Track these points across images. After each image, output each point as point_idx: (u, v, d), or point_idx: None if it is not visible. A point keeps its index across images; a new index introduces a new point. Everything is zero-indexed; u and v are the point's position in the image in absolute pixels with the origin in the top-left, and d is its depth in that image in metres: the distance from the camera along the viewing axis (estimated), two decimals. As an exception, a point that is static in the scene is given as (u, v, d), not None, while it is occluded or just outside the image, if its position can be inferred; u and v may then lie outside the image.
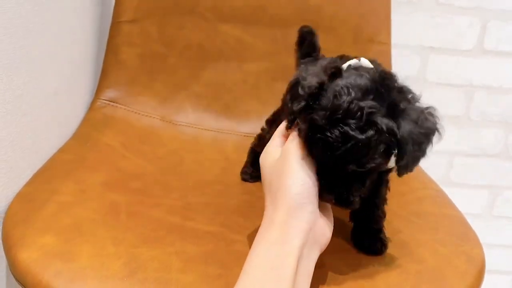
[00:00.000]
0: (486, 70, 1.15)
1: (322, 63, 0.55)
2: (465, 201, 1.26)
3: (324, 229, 0.49)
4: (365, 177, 0.49)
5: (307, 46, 0.69)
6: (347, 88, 0.46)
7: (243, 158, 0.80)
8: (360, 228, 0.60)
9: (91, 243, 0.55)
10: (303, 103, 0.48)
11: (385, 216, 0.59)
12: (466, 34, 1.12)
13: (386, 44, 0.97)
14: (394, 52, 1.01)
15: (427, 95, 1.21)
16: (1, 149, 0.61)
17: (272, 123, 0.72)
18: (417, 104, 0.49)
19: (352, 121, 0.44)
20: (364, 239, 0.59)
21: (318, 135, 0.46)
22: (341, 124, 0.45)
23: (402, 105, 0.47)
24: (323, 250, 0.50)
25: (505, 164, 1.23)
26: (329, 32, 0.94)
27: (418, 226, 0.65)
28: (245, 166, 0.78)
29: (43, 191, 0.63)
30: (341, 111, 0.45)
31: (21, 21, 0.63)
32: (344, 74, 0.48)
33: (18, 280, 0.52)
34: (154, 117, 0.92)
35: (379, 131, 0.45)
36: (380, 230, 0.59)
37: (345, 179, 0.48)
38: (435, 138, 0.49)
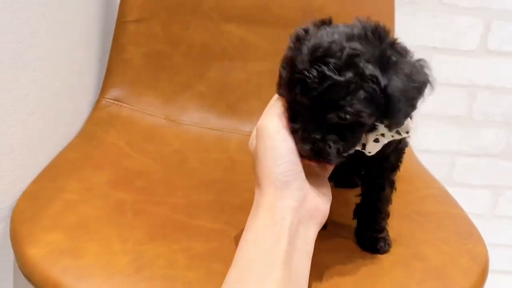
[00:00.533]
0: (489, 70, 1.15)
1: None
2: (468, 201, 1.25)
3: (317, 202, 0.48)
4: (345, 130, 0.46)
5: None
6: (332, 33, 0.44)
7: (246, 157, 0.80)
8: (363, 227, 0.60)
9: (97, 241, 0.56)
10: (289, 52, 0.46)
11: (388, 216, 0.59)
12: (469, 34, 1.12)
13: (390, 44, 0.97)
14: (397, 52, 1.01)
15: (430, 95, 1.21)
16: (8, 148, 0.61)
17: None
18: (409, 57, 0.47)
19: (331, 60, 0.42)
20: (367, 238, 0.59)
21: (297, 75, 0.44)
22: (319, 63, 0.42)
23: (394, 58, 0.44)
24: (322, 224, 0.48)
25: (508, 164, 1.23)
26: (333, 32, 0.94)
27: (422, 225, 0.65)
28: None
29: (50, 189, 0.64)
30: (321, 49, 0.43)
31: (27, 21, 0.63)
32: (335, 24, 0.47)
33: (26, 276, 0.53)
34: (158, 116, 0.92)
35: (359, 74, 0.42)
36: (382, 229, 0.59)
37: (323, 129, 0.45)
38: (427, 91, 0.47)
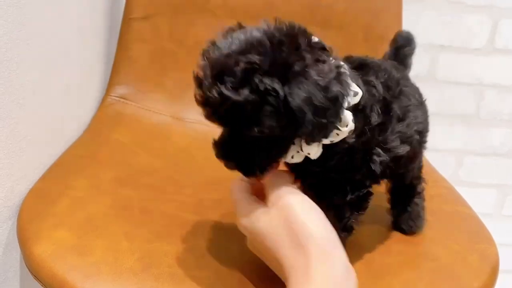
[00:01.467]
0: (496, 69, 1.14)
1: None
2: (475, 201, 1.24)
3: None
4: (266, 144, 0.43)
5: (396, 53, 0.65)
6: (231, 42, 0.41)
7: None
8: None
9: (104, 238, 0.55)
10: (197, 69, 0.43)
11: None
12: (477, 33, 1.12)
13: (397, 42, 0.97)
14: (404, 50, 1.01)
15: (436, 94, 1.21)
16: (15, 144, 0.61)
17: None
18: (324, 64, 0.42)
19: (228, 79, 0.40)
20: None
21: (206, 95, 0.41)
22: (218, 82, 0.40)
23: (296, 66, 0.41)
24: None
25: (515, 163, 1.23)
26: (340, 29, 0.94)
27: (431, 224, 0.64)
28: None
29: (56, 187, 0.63)
30: (218, 66, 0.41)
31: (35, 18, 0.63)
32: (244, 29, 0.44)
33: (33, 273, 0.52)
34: (164, 114, 0.92)
35: (255, 91, 0.39)
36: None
37: (243, 145, 0.44)
38: (345, 101, 0.43)
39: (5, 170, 0.59)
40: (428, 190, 0.72)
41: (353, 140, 0.46)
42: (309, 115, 0.40)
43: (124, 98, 0.91)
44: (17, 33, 0.58)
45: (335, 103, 0.41)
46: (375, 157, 0.49)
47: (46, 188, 0.63)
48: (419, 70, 1.13)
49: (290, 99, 0.40)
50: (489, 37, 1.11)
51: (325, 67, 0.42)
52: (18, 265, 0.64)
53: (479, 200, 1.26)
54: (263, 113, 0.40)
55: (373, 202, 0.67)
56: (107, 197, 0.63)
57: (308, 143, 0.45)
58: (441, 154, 1.21)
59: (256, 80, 0.39)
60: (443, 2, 1.09)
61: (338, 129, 0.45)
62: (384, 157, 0.50)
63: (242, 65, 0.40)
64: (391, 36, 0.96)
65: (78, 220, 0.58)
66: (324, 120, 0.41)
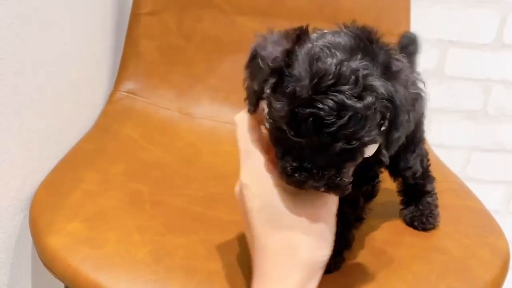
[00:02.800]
0: (505, 64, 1.14)
1: None
2: (482, 197, 1.24)
3: None
4: (355, 153, 0.40)
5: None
6: (328, 48, 0.37)
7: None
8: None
9: (116, 231, 0.56)
10: (271, 80, 0.39)
11: (346, 243, 0.52)
12: (485, 28, 1.11)
13: (405, 37, 0.96)
14: (412, 45, 1.00)
15: (445, 89, 1.20)
16: (27, 138, 0.61)
17: None
18: (406, 67, 0.42)
19: (346, 87, 0.36)
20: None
21: (307, 110, 0.36)
22: (333, 93, 0.36)
23: (394, 66, 0.40)
24: None
25: (523, 159, 1.22)
26: (348, 24, 0.94)
27: (442, 218, 0.64)
28: None
29: (68, 180, 0.64)
30: (331, 76, 0.36)
31: (45, 13, 0.63)
32: (314, 37, 0.40)
33: (46, 265, 0.53)
34: (172, 110, 0.92)
35: (378, 96, 0.37)
36: (333, 252, 0.49)
37: (332, 160, 0.39)
38: (421, 105, 0.43)
39: (17, 163, 0.59)
40: (439, 185, 0.72)
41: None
42: (404, 117, 0.39)
43: (132, 93, 0.91)
44: (25, 29, 0.59)
45: (415, 104, 0.41)
46: (384, 151, 0.49)
47: (57, 181, 0.64)
48: (427, 66, 1.13)
49: (396, 98, 0.38)
50: (497, 32, 1.11)
51: (407, 70, 0.42)
52: (30, 257, 0.65)
53: (486, 197, 1.25)
54: (375, 121, 0.38)
55: (385, 197, 0.67)
56: (117, 190, 0.64)
57: (389, 151, 0.42)
58: (448, 150, 1.20)
59: (377, 85, 0.37)
60: (452, -3, 1.09)
61: None
62: None
63: (362, 71, 0.37)
64: (399, 31, 0.97)
65: (89, 212, 0.58)
66: (408, 124, 0.41)
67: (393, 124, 0.40)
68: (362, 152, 0.41)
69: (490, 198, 1.26)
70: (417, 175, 0.61)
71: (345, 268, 0.53)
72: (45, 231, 0.54)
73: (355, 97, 0.36)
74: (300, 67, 0.38)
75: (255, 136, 0.44)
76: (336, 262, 0.52)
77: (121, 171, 0.69)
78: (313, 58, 0.37)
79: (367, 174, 0.50)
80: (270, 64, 0.39)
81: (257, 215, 0.42)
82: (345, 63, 0.37)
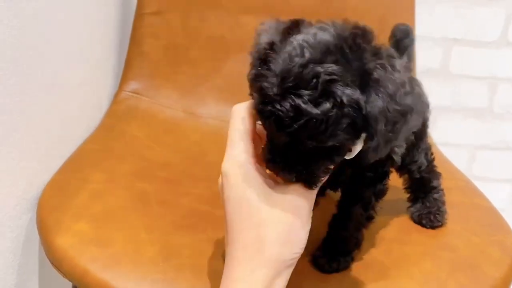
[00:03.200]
0: (510, 62, 1.13)
1: None
2: (488, 195, 1.24)
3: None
4: (328, 152, 0.40)
5: (396, 46, 0.62)
6: (302, 47, 0.37)
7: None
8: (327, 241, 0.54)
9: (124, 230, 0.56)
10: (253, 70, 0.40)
11: (357, 246, 0.53)
12: (490, 26, 1.11)
13: (411, 35, 0.96)
14: (417, 43, 1.00)
15: (450, 87, 1.20)
16: (34, 138, 0.61)
17: None
18: (397, 74, 0.39)
19: (305, 92, 0.36)
20: (324, 253, 0.53)
21: (269, 107, 0.37)
22: (292, 96, 0.36)
23: (376, 74, 0.38)
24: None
25: (529, 157, 1.22)
26: (353, 23, 0.93)
27: (449, 216, 0.64)
28: None
29: (74, 180, 0.64)
30: (292, 78, 0.36)
31: (49, 15, 0.64)
32: (304, 30, 0.39)
33: (55, 264, 0.53)
34: (177, 109, 0.92)
35: (338, 104, 0.36)
36: (346, 253, 0.53)
37: (304, 157, 0.40)
38: (412, 117, 0.40)
39: (23, 163, 0.59)
40: (446, 183, 0.72)
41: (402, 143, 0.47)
42: (382, 126, 0.38)
43: (137, 93, 0.91)
44: (30, 31, 0.59)
45: (404, 117, 0.39)
46: (396, 149, 0.50)
47: (64, 181, 0.64)
48: (432, 64, 1.13)
49: (368, 108, 0.37)
50: (502, 30, 1.10)
51: (399, 78, 0.39)
52: (37, 257, 0.65)
53: (492, 195, 1.25)
54: (340, 126, 0.37)
55: (393, 195, 0.67)
56: (124, 190, 0.64)
57: (369, 159, 0.42)
58: (454, 149, 1.20)
59: (338, 92, 0.36)
60: (456, -5, 1.08)
61: None
62: (402, 147, 0.51)
63: (323, 76, 0.36)
64: (404, 29, 0.97)
65: (96, 212, 0.58)
66: (391, 135, 0.39)
67: (367, 132, 0.39)
68: (340, 153, 0.41)
69: (496, 196, 1.25)
70: (422, 168, 0.61)
71: (354, 266, 0.53)
72: (53, 231, 0.54)
73: (312, 102, 0.36)
74: (274, 64, 0.38)
75: (245, 127, 0.43)
76: (345, 261, 0.52)
77: (127, 171, 0.69)
78: (285, 56, 0.37)
79: (379, 173, 0.50)
80: (255, 53, 0.40)
81: (231, 206, 0.42)
82: (311, 65, 0.36)
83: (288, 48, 0.38)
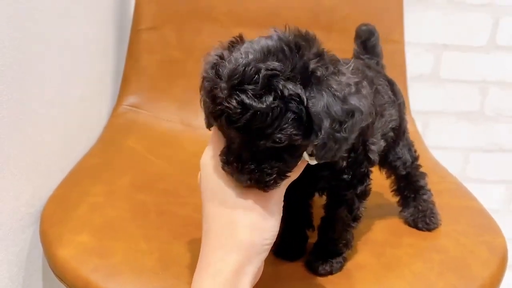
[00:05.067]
0: (500, 66, 1.16)
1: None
2: (482, 197, 1.25)
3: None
4: (282, 152, 0.42)
5: (363, 47, 0.66)
6: (246, 52, 0.40)
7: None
8: (318, 244, 0.56)
9: (124, 240, 0.58)
10: (206, 82, 0.42)
11: (347, 246, 0.55)
12: (479, 31, 1.13)
13: (400, 42, 0.99)
14: (408, 50, 1.03)
15: (441, 92, 1.22)
16: (35, 153, 0.64)
17: None
18: (342, 76, 0.41)
19: (249, 87, 0.38)
20: (313, 254, 0.55)
21: (218, 107, 0.40)
22: (237, 92, 0.38)
23: (318, 73, 0.40)
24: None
25: (522, 158, 1.23)
26: (343, 32, 0.95)
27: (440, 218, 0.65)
28: None
29: (75, 193, 0.66)
30: (236, 76, 0.39)
31: (49, 34, 0.66)
32: (247, 42, 0.42)
33: (57, 275, 0.55)
34: (174, 122, 0.94)
35: (280, 97, 0.38)
36: (338, 254, 0.55)
37: (258, 156, 0.41)
38: (361, 118, 0.41)
39: (26, 179, 0.62)
40: (437, 186, 0.74)
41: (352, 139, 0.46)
42: (327, 124, 0.39)
43: (135, 107, 0.94)
44: (30, 48, 0.61)
45: (352, 117, 0.40)
46: (372, 147, 0.52)
47: (65, 194, 0.66)
48: (423, 69, 1.15)
49: (310, 104, 0.39)
50: (490, 34, 1.13)
51: (345, 79, 0.41)
52: (41, 269, 0.67)
53: (487, 196, 1.27)
54: (286, 120, 0.39)
55: (383, 199, 0.69)
56: (124, 201, 0.66)
57: (318, 159, 0.43)
58: (447, 152, 1.22)
59: (279, 86, 0.38)
60: (445, 2, 1.11)
61: None
62: (378, 144, 0.53)
63: (263, 71, 0.38)
64: (393, 36, 0.99)
65: (97, 224, 0.60)
66: (339, 134, 0.40)
67: (312, 128, 0.40)
68: (292, 153, 0.42)
69: (490, 197, 1.28)
70: (407, 164, 0.63)
71: (346, 269, 0.55)
72: (56, 243, 0.56)
73: (256, 97, 0.38)
74: (222, 68, 0.40)
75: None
76: (337, 263, 0.54)
77: (126, 183, 0.71)
78: (231, 60, 0.40)
79: (357, 174, 0.51)
80: (207, 66, 0.43)
81: (207, 194, 0.45)
82: (253, 63, 0.39)
83: (235, 54, 0.41)
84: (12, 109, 0.57)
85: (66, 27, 0.72)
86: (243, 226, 0.42)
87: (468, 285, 0.55)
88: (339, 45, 0.71)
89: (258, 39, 0.42)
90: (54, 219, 0.60)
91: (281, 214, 0.44)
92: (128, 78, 0.95)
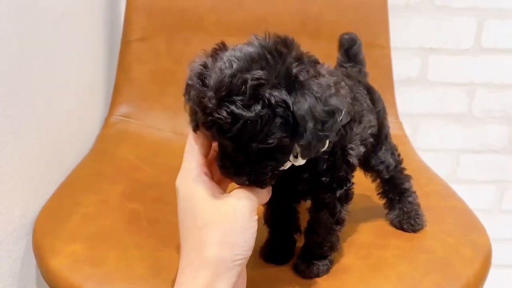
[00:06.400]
0: (486, 68, 1.18)
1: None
2: (474, 197, 1.27)
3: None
4: (272, 153, 0.44)
5: (346, 55, 0.68)
6: (230, 61, 0.42)
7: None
8: (305, 247, 0.58)
9: (115, 249, 0.59)
10: (193, 92, 0.43)
11: (333, 249, 0.56)
12: (464, 34, 1.15)
13: (386, 47, 1.01)
14: (395, 54, 1.05)
15: (430, 95, 1.24)
16: (28, 166, 0.65)
17: None
18: (322, 78, 0.44)
19: (237, 98, 0.40)
20: (300, 257, 0.57)
21: (209, 118, 0.41)
22: (226, 103, 0.40)
23: (301, 77, 0.42)
24: None
25: (510, 158, 1.25)
26: (330, 39, 0.96)
27: (427, 219, 0.67)
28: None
29: (67, 204, 0.67)
30: (224, 87, 0.41)
31: (39, 47, 0.67)
32: (230, 50, 0.44)
33: (51, 285, 0.56)
34: (165, 130, 0.95)
35: (267, 105, 0.40)
36: (324, 256, 0.56)
37: (251, 159, 0.44)
38: (341, 117, 0.44)
39: (19, 191, 0.63)
40: (425, 187, 0.75)
41: (335, 139, 0.49)
42: (311, 125, 0.42)
43: (126, 117, 0.95)
44: (23, 61, 0.62)
45: (333, 116, 0.43)
46: (351, 151, 0.53)
47: (58, 205, 0.67)
48: (411, 73, 1.17)
49: (295, 108, 0.41)
50: (475, 38, 1.15)
51: (325, 81, 0.44)
52: (35, 279, 0.68)
53: (478, 197, 1.29)
54: (274, 125, 0.41)
55: (370, 201, 0.70)
56: (115, 211, 0.67)
57: (303, 156, 0.46)
58: (438, 154, 1.24)
59: (266, 95, 0.40)
60: (429, 6, 1.13)
61: None
62: (357, 149, 0.55)
63: (250, 82, 0.40)
64: (379, 42, 1.01)
65: (89, 233, 0.61)
66: (321, 133, 0.43)
67: (299, 132, 0.42)
68: (282, 152, 0.45)
69: (482, 198, 1.29)
70: (391, 168, 0.64)
71: (333, 271, 0.56)
72: (48, 253, 0.57)
73: (245, 106, 0.40)
74: (208, 78, 0.42)
75: (199, 140, 0.47)
76: (323, 266, 0.55)
77: (118, 192, 0.72)
78: (217, 70, 0.42)
79: (335, 178, 0.52)
80: (192, 75, 0.44)
81: (181, 216, 0.47)
82: (239, 74, 0.41)
83: (219, 63, 0.42)
84: (4, 121, 0.58)
85: (58, 40, 0.74)
86: (212, 243, 0.43)
87: (453, 283, 0.56)
88: (327, 52, 0.73)
89: (240, 46, 0.44)
90: (46, 229, 0.61)
91: (256, 228, 0.45)
92: (120, 89, 0.96)
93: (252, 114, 0.40)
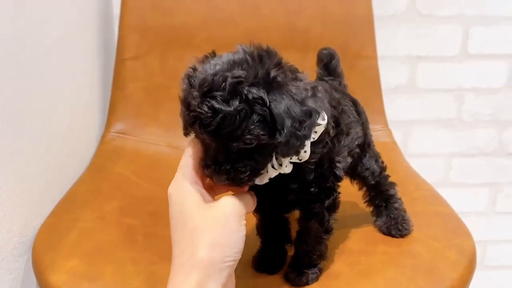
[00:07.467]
0: (473, 73, 1.20)
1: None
2: (467, 201, 1.29)
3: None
4: (253, 152, 0.46)
5: (326, 69, 0.70)
6: (214, 64, 0.46)
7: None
8: (295, 256, 0.60)
9: (112, 264, 0.61)
10: (182, 93, 0.47)
11: (322, 258, 0.58)
12: (450, 41, 1.18)
13: (373, 58, 1.03)
14: (384, 63, 1.07)
15: (419, 101, 1.26)
16: (27, 185, 0.67)
17: None
18: (299, 82, 0.47)
19: (218, 93, 0.43)
20: (290, 266, 0.59)
21: (192, 113, 0.45)
22: (208, 98, 0.43)
23: (279, 78, 0.45)
24: None
25: (502, 160, 1.27)
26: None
27: (414, 225, 0.69)
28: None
29: (66, 221, 0.69)
30: (206, 84, 0.44)
31: (37, 70, 0.70)
32: (220, 54, 0.48)
33: (51, 301, 0.58)
34: (161, 145, 0.98)
35: (245, 100, 0.43)
36: (313, 265, 0.58)
37: (232, 156, 0.46)
38: (317, 119, 0.46)
39: (19, 209, 0.65)
40: (413, 193, 0.78)
41: (321, 150, 0.52)
42: (288, 123, 0.44)
43: (122, 133, 0.97)
44: (19, 82, 0.65)
45: (310, 117, 0.46)
46: (338, 164, 0.56)
47: (56, 222, 0.69)
48: (400, 81, 1.20)
49: (272, 106, 0.44)
50: (461, 44, 1.18)
51: (302, 84, 0.47)
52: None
53: (472, 200, 1.31)
54: (252, 121, 0.44)
55: (357, 209, 0.73)
56: (112, 226, 0.69)
57: (283, 155, 0.48)
58: (430, 159, 1.26)
59: (244, 91, 0.43)
60: (415, 16, 1.16)
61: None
62: (345, 161, 0.58)
63: (230, 79, 0.43)
64: (366, 52, 1.04)
65: (87, 249, 0.63)
66: (299, 132, 0.45)
67: (277, 130, 0.45)
68: (261, 153, 0.47)
69: (476, 201, 1.31)
70: (376, 174, 0.67)
71: (323, 278, 0.58)
72: (48, 270, 0.59)
73: (224, 102, 0.43)
74: (195, 79, 0.45)
75: (196, 147, 0.50)
76: (313, 274, 0.57)
77: (115, 208, 0.74)
78: (202, 70, 0.46)
79: (323, 188, 0.55)
80: (184, 79, 0.47)
81: (173, 222, 0.49)
82: (220, 73, 0.44)
83: (205, 66, 0.46)
84: (2, 142, 0.61)
85: (54, 63, 0.76)
86: (203, 245, 0.45)
87: (437, 286, 0.58)
88: (315, 64, 0.76)
89: (226, 53, 0.48)
90: (45, 247, 0.64)
91: (245, 232, 0.48)
92: (115, 106, 0.99)
93: (231, 109, 0.43)
